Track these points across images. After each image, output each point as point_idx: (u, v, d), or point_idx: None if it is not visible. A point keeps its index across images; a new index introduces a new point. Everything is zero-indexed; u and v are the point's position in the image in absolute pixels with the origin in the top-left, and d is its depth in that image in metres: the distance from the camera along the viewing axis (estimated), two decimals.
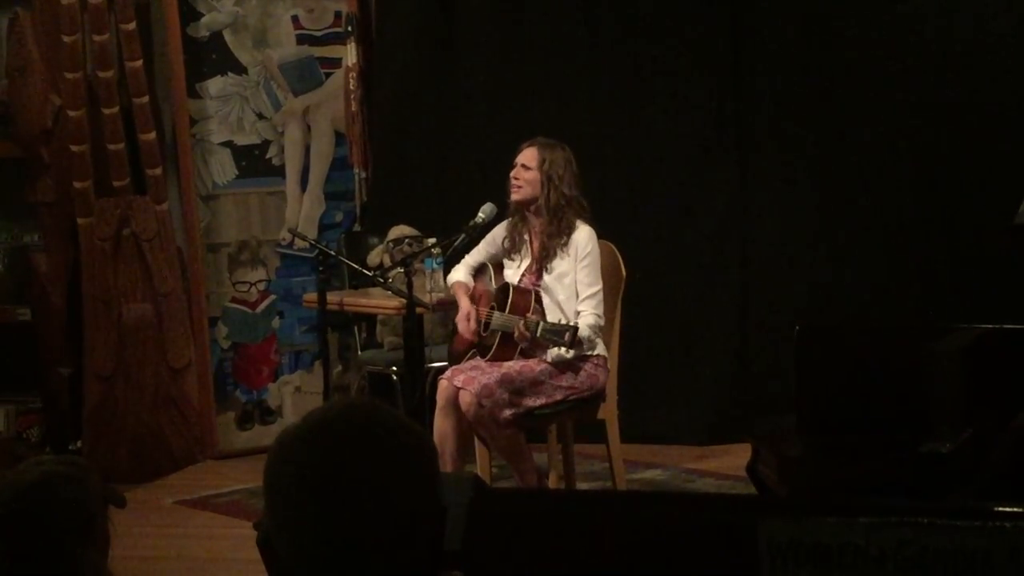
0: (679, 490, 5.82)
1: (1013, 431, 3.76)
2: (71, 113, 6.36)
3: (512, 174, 5.28)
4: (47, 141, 6.44)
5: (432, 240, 5.87)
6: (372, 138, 7.02)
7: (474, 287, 5.44)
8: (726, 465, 6.07)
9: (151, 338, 6.49)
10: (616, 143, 6.72)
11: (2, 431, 6.55)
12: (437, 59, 6.97)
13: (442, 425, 5.14)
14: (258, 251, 6.91)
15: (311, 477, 1.65)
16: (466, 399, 5.07)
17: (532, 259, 5.30)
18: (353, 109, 6.95)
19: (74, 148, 6.37)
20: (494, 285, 5.39)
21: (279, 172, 6.95)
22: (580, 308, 5.15)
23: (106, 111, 6.42)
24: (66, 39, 6.31)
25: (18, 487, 2.42)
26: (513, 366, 5.16)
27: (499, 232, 5.42)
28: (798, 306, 6.32)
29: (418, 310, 5.46)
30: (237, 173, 6.87)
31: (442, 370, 5.41)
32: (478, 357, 5.31)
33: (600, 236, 5.28)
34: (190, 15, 6.74)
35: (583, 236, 5.20)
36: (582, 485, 5.65)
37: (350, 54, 6.95)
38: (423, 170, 6.99)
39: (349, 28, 6.95)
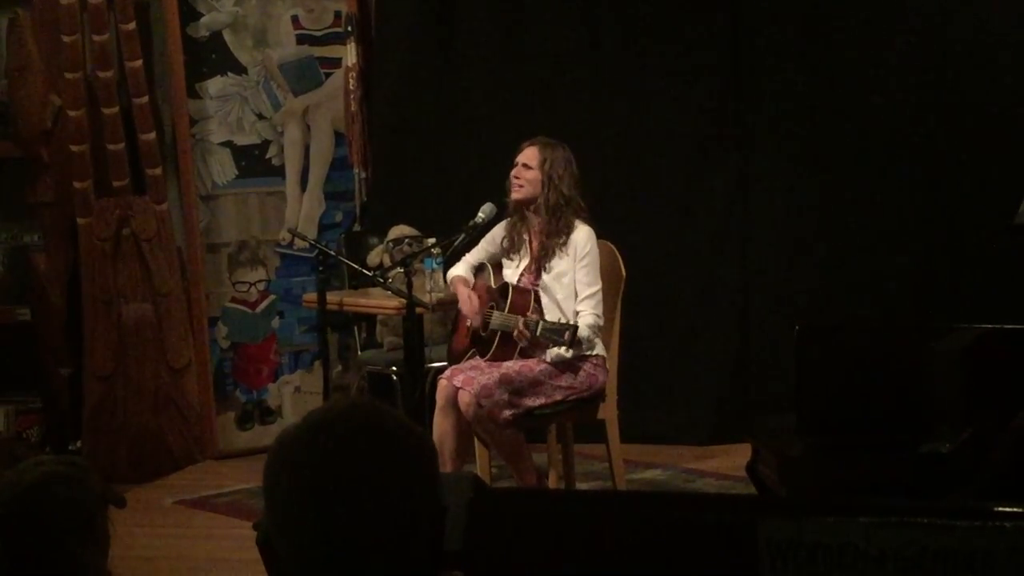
0: (679, 490, 5.82)
1: (1013, 431, 3.75)
2: (71, 113, 6.36)
3: (513, 173, 5.28)
4: (47, 141, 6.45)
5: (432, 240, 5.87)
6: (372, 138, 7.02)
7: (474, 284, 5.44)
8: (726, 465, 6.07)
9: (151, 338, 6.49)
10: (616, 143, 6.72)
11: (2, 431, 6.55)
12: (437, 59, 6.97)
13: (441, 425, 5.14)
14: (258, 251, 6.91)
15: (311, 477, 1.65)
16: (465, 399, 5.07)
17: (531, 259, 5.30)
18: (353, 109, 6.95)
19: (74, 148, 6.37)
20: (494, 285, 5.38)
21: (279, 172, 6.95)
22: (579, 308, 5.15)
23: (106, 111, 6.42)
24: (66, 39, 6.31)
25: (18, 487, 2.42)
26: (512, 366, 5.16)
27: (498, 232, 5.42)
28: (798, 306, 6.32)
29: (418, 310, 5.46)
30: (237, 173, 6.87)
31: (442, 370, 5.41)
32: (477, 357, 5.31)
33: (600, 236, 5.28)
34: (190, 15, 6.74)
35: (582, 236, 5.20)
36: (582, 485, 5.65)
37: (350, 54, 6.95)
38: (423, 170, 6.99)
39: (349, 28, 6.95)
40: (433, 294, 5.57)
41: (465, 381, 5.11)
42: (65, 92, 6.38)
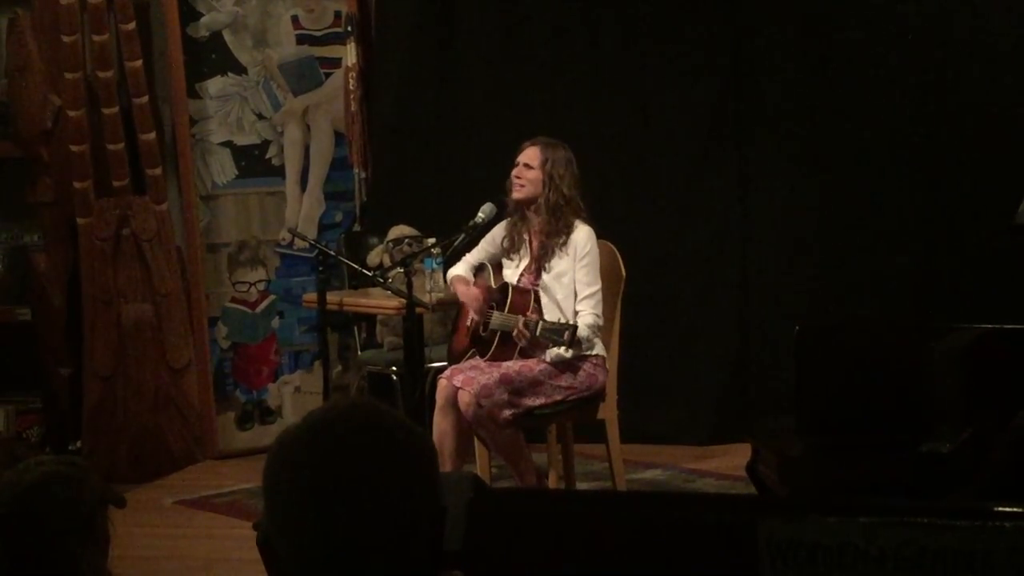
0: (679, 490, 5.81)
1: (1013, 431, 3.76)
2: (71, 113, 6.36)
3: (514, 173, 5.28)
4: (47, 141, 6.45)
5: (432, 240, 5.87)
6: (372, 138, 7.02)
7: (473, 285, 5.44)
8: (726, 465, 6.07)
9: (151, 338, 6.49)
10: (616, 143, 6.72)
11: (2, 431, 6.55)
12: (437, 59, 6.97)
13: (441, 425, 5.14)
14: (258, 251, 6.91)
15: (311, 478, 1.65)
16: (465, 399, 5.07)
17: (531, 258, 5.30)
18: (353, 109, 6.95)
19: (74, 148, 6.37)
20: (494, 285, 5.38)
21: (279, 172, 6.95)
22: (579, 308, 5.15)
23: (106, 111, 6.42)
24: (66, 39, 6.32)
25: (18, 487, 2.42)
26: (512, 366, 5.16)
27: (498, 232, 5.42)
28: (798, 306, 6.32)
29: (418, 310, 5.46)
30: (237, 173, 6.87)
31: (442, 370, 5.41)
32: (477, 357, 5.31)
33: (600, 236, 5.28)
34: (190, 15, 6.74)
35: (582, 236, 5.20)
36: (582, 485, 5.65)
37: (350, 54, 6.94)
38: (423, 170, 6.99)
39: (349, 28, 6.94)
40: (433, 294, 5.57)
41: (465, 381, 5.11)
42: (65, 92, 6.38)
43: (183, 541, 5.51)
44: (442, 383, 5.19)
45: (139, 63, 6.46)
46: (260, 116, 6.90)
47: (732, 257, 6.69)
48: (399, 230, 6.23)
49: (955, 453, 3.92)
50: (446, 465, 5.02)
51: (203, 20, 6.78)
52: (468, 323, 5.38)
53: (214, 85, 6.80)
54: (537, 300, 5.21)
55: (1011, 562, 2.12)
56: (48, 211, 6.54)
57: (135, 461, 6.43)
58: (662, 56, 6.68)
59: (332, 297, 6.00)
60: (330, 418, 1.70)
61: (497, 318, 5.22)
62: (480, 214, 5.43)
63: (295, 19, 6.98)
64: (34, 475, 2.43)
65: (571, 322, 4.99)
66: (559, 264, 5.21)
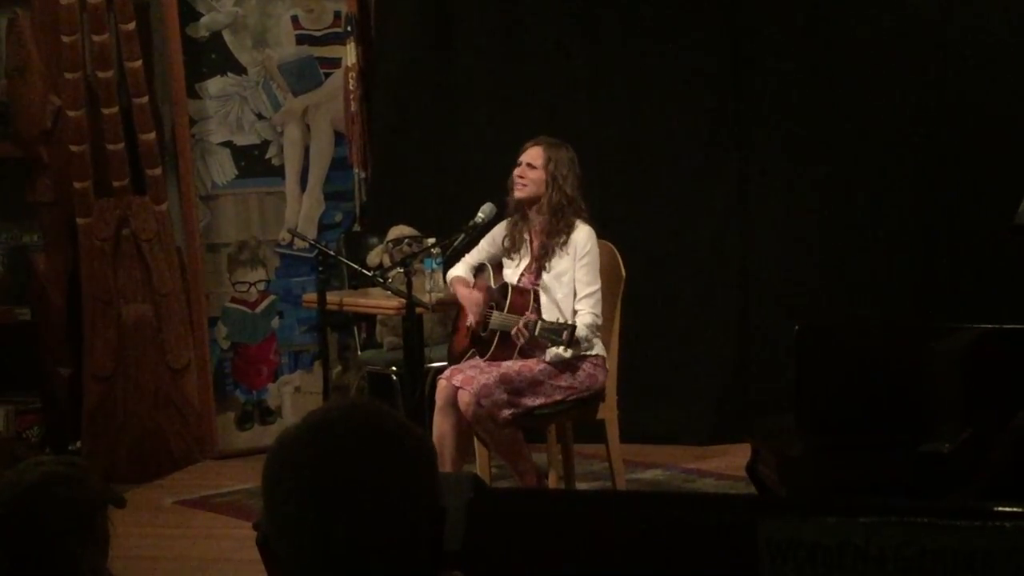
0: (679, 490, 5.81)
1: (1013, 431, 3.76)
2: (70, 113, 6.36)
3: (516, 172, 5.28)
4: (47, 141, 6.45)
5: (432, 240, 5.87)
6: (372, 138, 7.02)
7: (474, 285, 5.44)
8: (726, 465, 6.07)
9: (151, 338, 6.49)
10: (616, 143, 6.72)
11: (2, 431, 6.55)
12: (437, 59, 6.97)
13: (441, 425, 5.14)
14: (258, 251, 6.91)
15: (311, 478, 1.65)
16: (465, 399, 5.07)
17: (531, 258, 5.30)
18: (353, 109, 6.95)
19: (73, 148, 6.37)
20: (494, 285, 5.38)
21: (279, 172, 6.95)
22: (578, 307, 5.15)
23: (105, 111, 6.42)
24: (65, 39, 6.31)
25: (18, 487, 2.42)
26: (512, 366, 5.16)
27: (499, 231, 5.42)
28: (798, 306, 6.32)
29: (417, 310, 5.46)
30: (237, 173, 6.87)
31: (442, 370, 5.41)
32: (477, 357, 5.31)
33: (600, 236, 5.28)
34: (190, 15, 6.74)
35: (582, 235, 5.20)
36: (582, 485, 5.65)
37: (350, 54, 6.94)
38: (423, 170, 6.99)
39: (349, 28, 6.94)
40: (433, 294, 5.57)
41: (465, 381, 5.11)
42: (65, 92, 6.38)
43: (183, 541, 5.51)
44: (442, 384, 5.19)
45: (139, 63, 6.46)
46: (260, 116, 6.90)
47: (732, 257, 6.69)
48: (399, 230, 6.23)
49: (955, 453, 3.92)
50: (446, 466, 5.02)
51: (203, 20, 6.78)
52: (468, 323, 5.38)
53: (214, 85, 6.80)
54: (537, 300, 5.21)
55: (1011, 562, 2.12)
56: (48, 211, 6.54)
57: (135, 461, 6.43)
58: (662, 56, 6.68)
59: (332, 297, 6.00)
60: (330, 418, 1.70)
61: (497, 318, 5.22)
62: (480, 214, 5.43)
63: (295, 19, 6.98)
64: (34, 475, 2.43)
65: (570, 322, 4.99)
66: (559, 264, 5.21)
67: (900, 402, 4.13)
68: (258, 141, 6.90)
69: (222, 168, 6.84)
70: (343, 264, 6.23)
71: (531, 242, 5.33)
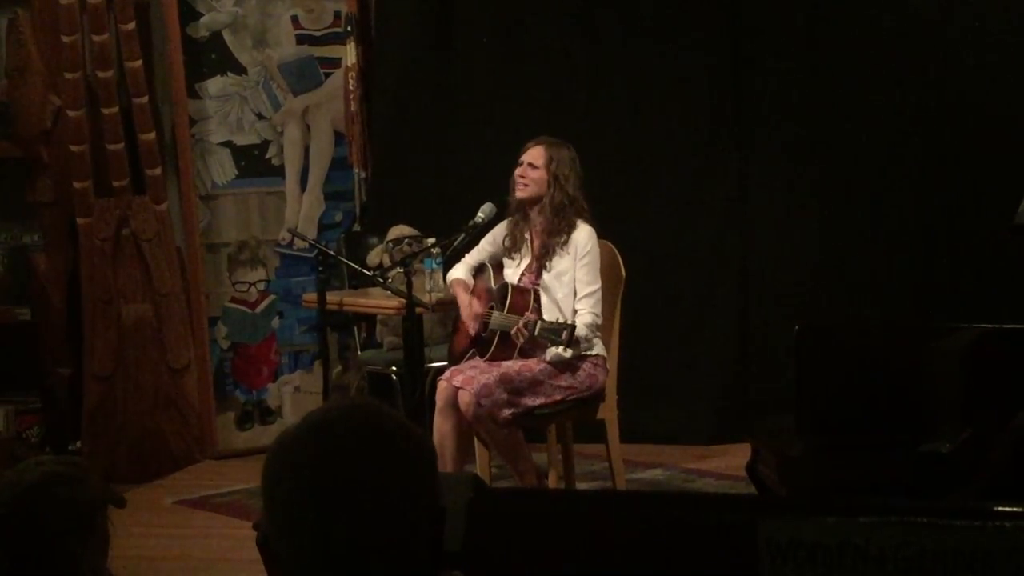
0: (679, 490, 5.81)
1: (1013, 431, 3.76)
2: (70, 113, 6.36)
3: (518, 172, 5.28)
4: (47, 141, 6.45)
5: (432, 240, 5.87)
6: (372, 138, 7.02)
7: (474, 286, 5.44)
8: (726, 465, 6.07)
9: (151, 338, 6.49)
10: (616, 143, 6.72)
11: (2, 431, 6.55)
12: (437, 59, 6.97)
13: (442, 427, 5.14)
14: (258, 251, 6.91)
15: (311, 478, 1.65)
16: (465, 398, 5.07)
17: (532, 257, 5.30)
18: (353, 109, 6.95)
19: (73, 148, 6.37)
20: (494, 285, 5.39)
21: (279, 172, 6.95)
22: (578, 307, 5.15)
23: (105, 111, 6.42)
24: (65, 39, 6.31)
25: (18, 487, 2.42)
26: (512, 366, 5.16)
27: (499, 231, 5.42)
28: (798, 306, 6.32)
29: (417, 310, 5.46)
30: (237, 173, 6.87)
31: (442, 370, 5.41)
32: (477, 357, 5.31)
33: (600, 236, 5.28)
34: (190, 15, 6.74)
35: (583, 235, 5.20)
36: (582, 485, 5.65)
37: (349, 54, 6.94)
38: (423, 170, 6.99)
39: (349, 28, 6.94)
40: (433, 294, 5.57)
41: (465, 381, 5.11)
42: (65, 92, 6.37)
43: (183, 541, 5.51)
44: (442, 385, 5.19)
45: (139, 63, 6.46)
46: (260, 116, 6.90)
47: (732, 257, 6.69)
48: (399, 230, 6.23)
49: (955, 453, 3.92)
50: (447, 467, 5.02)
51: (203, 20, 6.78)
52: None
53: (214, 85, 6.81)
54: (537, 300, 5.21)
55: (1011, 562, 2.12)
56: (48, 211, 6.53)
57: (135, 461, 6.43)
58: (662, 56, 6.68)
59: (332, 297, 6.00)
60: (330, 418, 1.70)
61: (497, 318, 5.22)
62: (480, 214, 5.43)
63: (295, 19, 6.98)
64: (34, 475, 2.43)
65: (570, 322, 4.99)
66: (560, 263, 5.21)
67: (900, 402, 4.13)
68: (258, 141, 6.90)
69: (222, 168, 6.84)
70: (343, 264, 6.22)
71: (532, 242, 5.33)
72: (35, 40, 6.41)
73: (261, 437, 6.74)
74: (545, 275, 5.23)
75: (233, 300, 6.89)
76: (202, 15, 6.78)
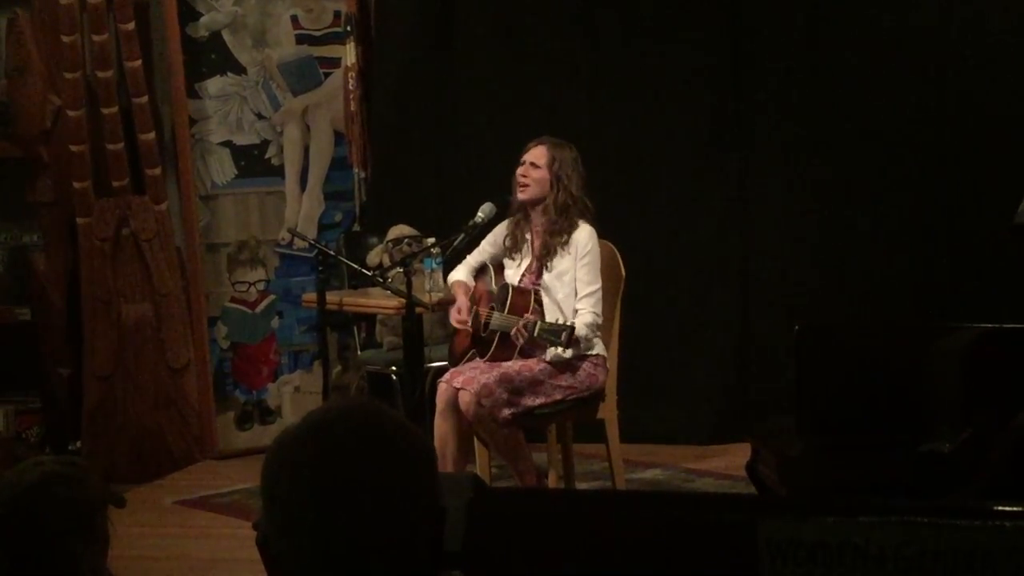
0: (679, 490, 5.81)
1: (1013, 431, 3.75)
2: (70, 113, 6.36)
3: (519, 172, 5.27)
4: (46, 141, 6.45)
5: (431, 240, 5.87)
6: (372, 138, 7.02)
7: (475, 287, 5.44)
8: (726, 465, 6.07)
9: (151, 338, 6.49)
10: (616, 143, 6.71)
11: (2, 431, 6.55)
12: (437, 59, 6.96)
13: (442, 428, 5.14)
14: (257, 251, 6.91)
15: (310, 478, 1.65)
16: (465, 398, 5.07)
17: (533, 257, 5.30)
18: (352, 109, 6.94)
19: (73, 148, 6.37)
20: (495, 286, 5.39)
21: (278, 172, 6.95)
22: (578, 307, 5.15)
23: (105, 111, 6.42)
24: (65, 39, 6.31)
25: (18, 487, 2.42)
26: (512, 366, 5.16)
27: (500, 231, 5.42)
28: (798, 306, 6.32)
29: (417, 310, 5.46)
30: (236, 173, 6.87)
31: (442, 370, 5.41)
32: (477, 358, 5.32)
33: (600, 236, 5.28)
34: (189, 15, 6.74)
35: (584, 235, 5.20)
36: (582, 485, 5.65)
37: (349, 54, 6.94)
38: (423, 170, 6.99)
39: (348, 28, 6.94)
40: (433, 294, 5.57)
41: (465, 381, 5.11)
42: (64, 92, 6.38)
43: (183, 541, 5.51)
44: (442, 387, 5.19)
45: (139, 63, 6.46)
46: (260, 116, 6.90)
47: (732, 257, 6.69)
48: (399, 230, 6.23)
49: (955, 453, 3.92)
50: (448, 469, 5.01)
51: (203, 20, 6.78)
52: (467, 327, 5.38)
53: (214, 85, 6.80)
54: (537, 300, 5.21)
55: (1011, 562, 2.12)
56: (48, 211, 6.54)
57: (135, 461, 6.43)
58: (662, 56, 6.68)
59: (332, 297, 6.00)
60: (329, 418, 1.70)
61: (497, 319, 5.22)
62: (480, 214, 5.43)
63: (294, 19, 6.98)
64: (34, 475, 2.43)
65: (571, 322, 4.99)
66: (561, 263, 5.20)
67: (900, 402, 4.13)
68: (258, 141, 6.90)
69: (222, 168, 6.84)
70: (343, 264, 6.22)
71: (532, 242, 5.32)
72: (35, 40, 6.41)
73: (261, 437, 6.74)
74: (546, 275, 5.22)
75: (233, 300, 6.89)
76: (202, 15, 6.78)
